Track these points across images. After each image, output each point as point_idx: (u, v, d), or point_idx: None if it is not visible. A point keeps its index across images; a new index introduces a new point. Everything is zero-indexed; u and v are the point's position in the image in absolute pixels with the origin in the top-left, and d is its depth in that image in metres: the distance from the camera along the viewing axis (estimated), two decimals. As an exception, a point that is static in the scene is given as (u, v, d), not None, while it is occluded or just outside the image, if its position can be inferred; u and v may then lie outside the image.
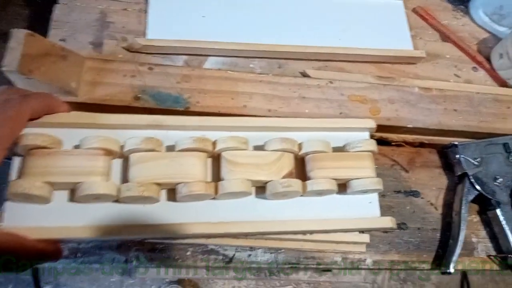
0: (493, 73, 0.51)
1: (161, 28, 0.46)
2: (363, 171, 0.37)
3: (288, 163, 0.36)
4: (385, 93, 0.44)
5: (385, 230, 0.40)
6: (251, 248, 0.37)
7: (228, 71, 0.42)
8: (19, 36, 0.34)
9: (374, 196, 0.38)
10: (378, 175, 0.37)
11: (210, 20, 0.47)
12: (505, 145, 0.44)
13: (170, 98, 0.40)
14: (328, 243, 0.38)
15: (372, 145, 0.38)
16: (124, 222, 0.33)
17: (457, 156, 0.43)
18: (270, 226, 0.35)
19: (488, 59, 0.51)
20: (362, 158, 0.38)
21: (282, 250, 0.38)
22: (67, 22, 0.45)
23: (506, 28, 0.53)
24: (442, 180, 0.44)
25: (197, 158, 0.35)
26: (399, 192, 0.42)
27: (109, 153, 0.34)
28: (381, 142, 0.44)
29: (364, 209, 0.38)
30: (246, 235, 0.37)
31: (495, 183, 0.41)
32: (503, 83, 0.50)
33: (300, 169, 0.38)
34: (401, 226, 0.41)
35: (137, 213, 0.34)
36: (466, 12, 0.55)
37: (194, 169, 0.34)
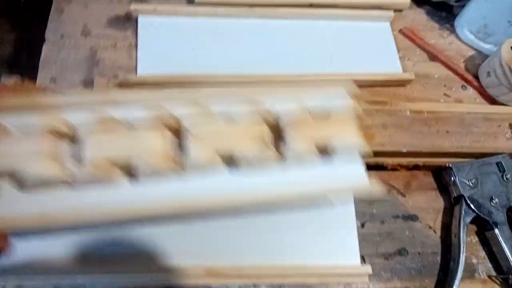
0: (482, 91, 0.51)
1: (151, 62, 0.46)
2: (346, 134, 0.34)
3: (261, 131, 0.33)
4: (378, 118, 0.45)
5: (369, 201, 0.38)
6: (255, 286, 0.37)
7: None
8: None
9: (359, 160, 0.35)
10: (375, 202, 0.37)
11: (201, 52, 0.47)
12: (498, 164, 0.44)
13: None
14: (331, 277, 0.38)
15: (353, 105, 0.35)
16: (79, 209, 0.30)
17: (452, 178, 0.43)
18: (246, 199, 0.32)
19: (476, 77, 0.52)
20: (344, 120, 0.35)
21: (285, 286, 0.37)
22: (56, 61, 0.45)
23: (492, 45, 0.54)
24: (439, 202, 0.44)
25: (157, 132, 0.31)
26: (397, 217, 0.43)
27: (57, 134, 0.30)
28: (376, 167, 0.44)
29: (349, 175, 0.35)
30: (221, 213, 0.34)
31: (491, 204, 0.42)
32: (492, 100, 0.51)
33: (275, 136, 0.34)
34: (401, 252, 0.41)
35: (94, 197, 0.30)
36: (452, 30, 0.56)
37: (154, 144, 0.31)
